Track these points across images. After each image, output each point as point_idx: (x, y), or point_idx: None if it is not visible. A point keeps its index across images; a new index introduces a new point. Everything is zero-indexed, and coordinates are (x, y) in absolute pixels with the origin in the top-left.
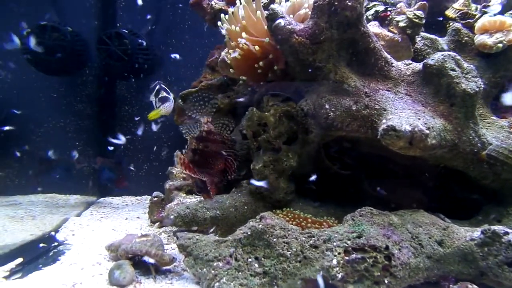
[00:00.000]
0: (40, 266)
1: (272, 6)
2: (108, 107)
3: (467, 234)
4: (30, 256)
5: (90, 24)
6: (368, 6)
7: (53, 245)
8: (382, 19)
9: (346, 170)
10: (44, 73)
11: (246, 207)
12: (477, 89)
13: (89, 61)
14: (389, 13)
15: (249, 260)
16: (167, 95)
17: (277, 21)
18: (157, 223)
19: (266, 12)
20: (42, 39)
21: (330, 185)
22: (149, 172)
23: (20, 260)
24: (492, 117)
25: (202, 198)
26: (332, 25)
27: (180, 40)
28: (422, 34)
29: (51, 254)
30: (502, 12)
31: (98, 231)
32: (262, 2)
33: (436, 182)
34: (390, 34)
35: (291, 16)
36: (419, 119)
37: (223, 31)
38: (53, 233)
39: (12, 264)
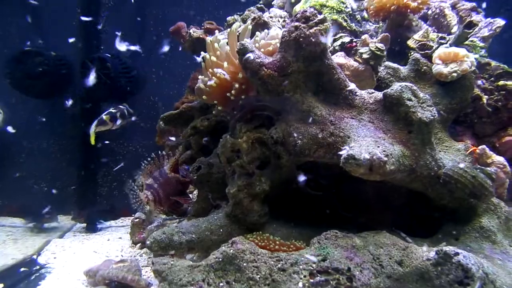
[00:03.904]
0: None
1: (241, 41)
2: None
3: (424, 254)
4: (11, 281)
5: (74, 48)
6: (335, 37)
7: (34, 269)
8: (348, 50)
9: (319, 192)
10: (28, 96)
11: (221, 230)
12: (432, 117)
13: (73, 85)
14: (354, 43)
15: (221, 284)
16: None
17: (247, 55)
18: (139, 244)
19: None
20: (25, 64)
21: (303, 206)
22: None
23: (1, 286)
24: (450, 141)
25: (178, 222)
26: (298, 58)
27: (163, 62)
28: (386, 63)
29: (32, 278)
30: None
31: (79, 253)
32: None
33: (402, 202)
34: (355, 64)
35: (262, 50)
36: (378, 146)
37: (199, 59)
38: (35, 256)
39: None
